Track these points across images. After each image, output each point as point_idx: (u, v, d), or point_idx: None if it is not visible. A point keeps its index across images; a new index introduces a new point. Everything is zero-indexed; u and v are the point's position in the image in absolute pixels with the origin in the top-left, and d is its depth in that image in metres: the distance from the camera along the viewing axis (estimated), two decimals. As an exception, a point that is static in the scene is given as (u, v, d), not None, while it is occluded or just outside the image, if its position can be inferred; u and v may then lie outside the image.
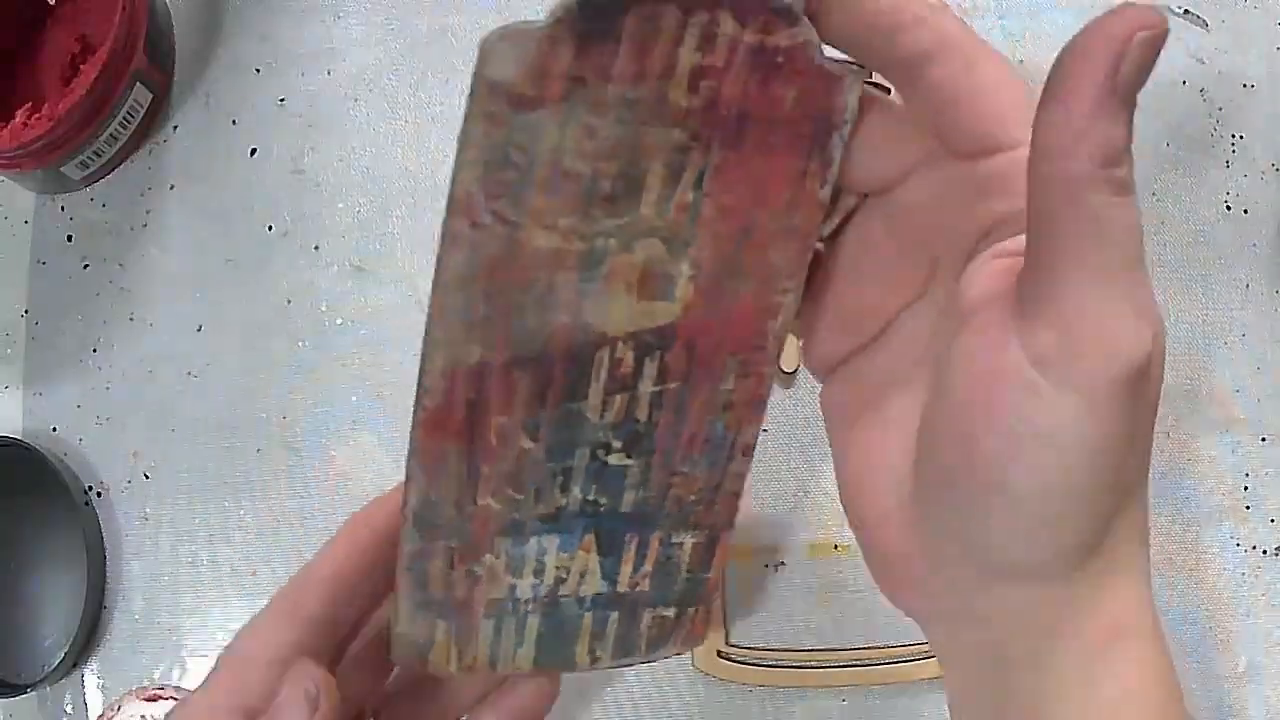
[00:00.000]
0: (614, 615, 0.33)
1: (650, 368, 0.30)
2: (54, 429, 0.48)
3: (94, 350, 0.48)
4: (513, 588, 0.32)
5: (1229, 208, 0.46)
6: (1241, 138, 0.46)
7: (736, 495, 0.32)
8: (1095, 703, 0.23)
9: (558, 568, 0.32)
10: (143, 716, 0.41)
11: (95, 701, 0.45)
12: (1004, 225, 0.23)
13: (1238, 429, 0.44)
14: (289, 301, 0.47)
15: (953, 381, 0.23)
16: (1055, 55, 0.19)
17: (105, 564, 0.46)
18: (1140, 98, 0.19)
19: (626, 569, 0.33)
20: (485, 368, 0.29)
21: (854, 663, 0.42)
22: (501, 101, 0.26)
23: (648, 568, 0.33)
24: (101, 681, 0.46)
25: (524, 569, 0.32)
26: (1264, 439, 0.44)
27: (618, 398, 0.30)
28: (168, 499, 0.47)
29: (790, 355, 0.37)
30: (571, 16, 0.25)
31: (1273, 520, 0.44)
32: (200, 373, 0.47)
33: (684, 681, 0.43)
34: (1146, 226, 0.45)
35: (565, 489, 0.31)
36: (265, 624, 0.28)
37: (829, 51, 0.26)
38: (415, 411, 0.30)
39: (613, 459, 0.31)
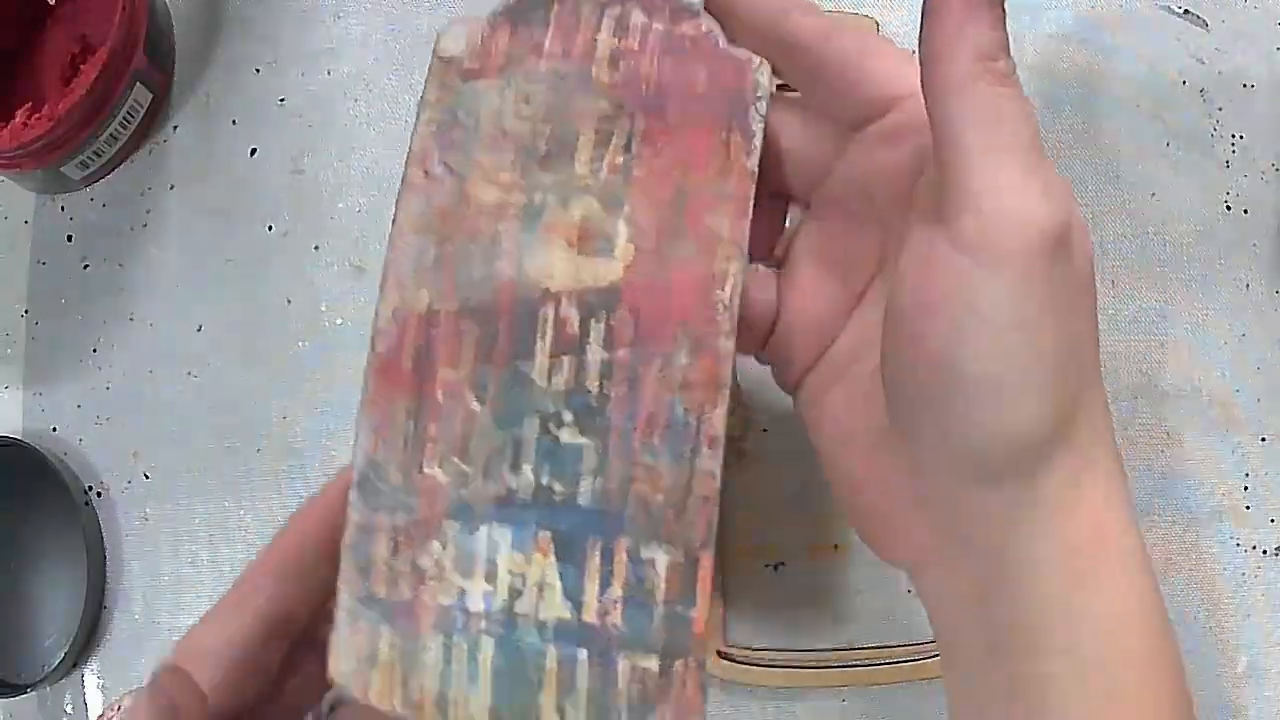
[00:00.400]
0: (582, 657, 0.29)
1: (596, 330, 0.30)
2: (54, 429, 0.48)
3: (94, 350, 0.48)
4: (462, 594, 0.29)
5: (1229, 208, 0.46)
6: (1241, 138, 0.46)
7: (710, 502, 0.30)
8: (1086, 628, 0.23)
9: (512, 573, 0.30)
10: (143, 716, 0.41)
11: (95, 701, 0.45)
12: (919, 167, 0.25)
13: (1238, 429, 0.44)
14: (289, 301, 0.47)
15: (898, 292, 0.25)
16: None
17: (105, 564, 0.46)
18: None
19: (591, 588, 0.30)
20: (434, 316, 0.30)
21: (854, 663, 0.42)
22: (452, 73, 0.32)
23: (617, 590, 0.30)
24: (101, 681, 0.46)
25: (474, 568, 0.30)
26: (1264, 439, 0.44)
27: (565, 360, 0.30)
28: (168, 499, 0.47)
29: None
30: (509, 8, 0.31)
31: (1273, 520, 0.44)
32: (200, 373, 0.47)
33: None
34: (1146, 227, 0.45)
35: (516, 466, 0.30)
36: (215, 616, 0.28)
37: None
38: (368, 359, 0.31)
39: (565, 435, 0.30)
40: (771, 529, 0.43)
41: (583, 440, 0.30)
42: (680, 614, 0.29)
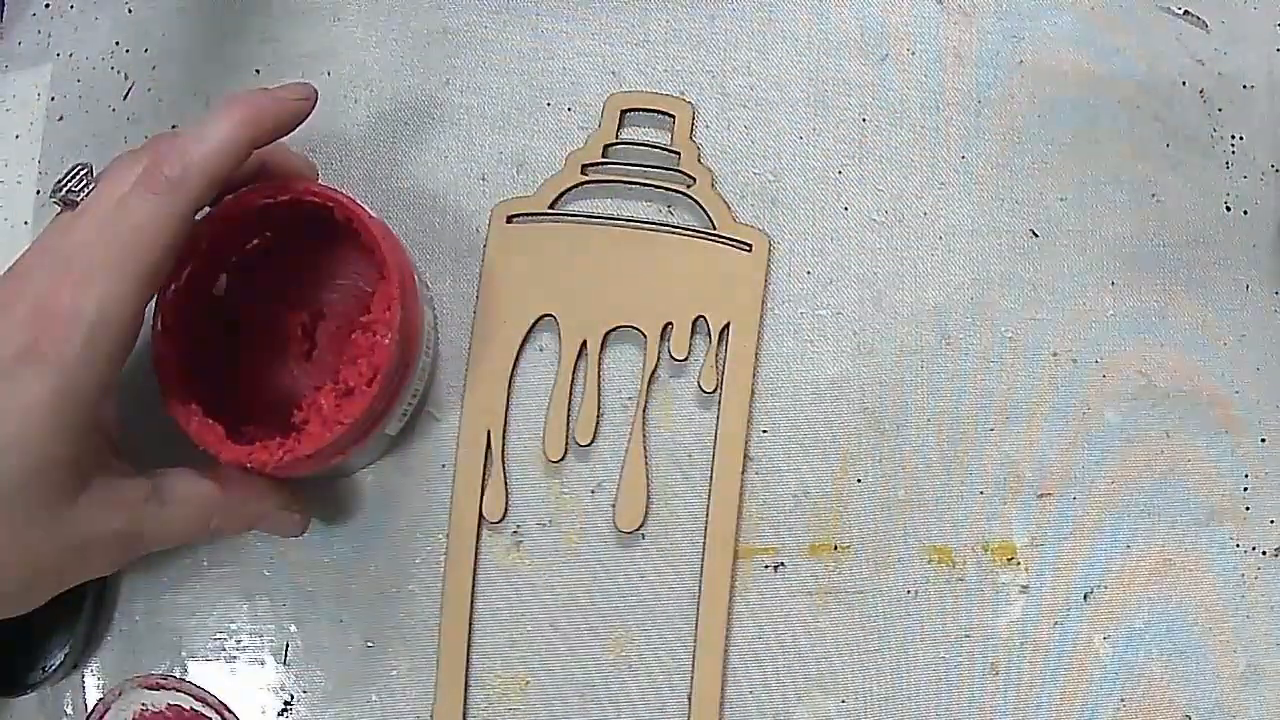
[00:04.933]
0: None
1: None
2: (54, 429, 0.48)
3: (94, 350, 0.48)
4: None
5: (1229, 208, 0.46)
6: (1241, 138, 0.46)
7: None
8: None
9: None
10: (143, 705, 0.41)
11: (95, 702, 0.45)
12: None
13: (1237, 430, 0.44)
14: (289, 302, 0.47)
15: None
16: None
17: (105, 564, 0.46)
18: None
19: None
20: None
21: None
22: None
23: None
24: (101, 682, 0.46)
25: None
26: (1263, 439, 0.44)
27: None
28: (168, 499, 0.47)
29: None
30: None
31: (1272, 521, 0.44)
32: (200, 373, 0.47)
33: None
34: (1146, 227, 0.45)
35: None
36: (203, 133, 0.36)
37: None
38: None
39: None
40: (771, 529, 0.43)
41: None
42: None
